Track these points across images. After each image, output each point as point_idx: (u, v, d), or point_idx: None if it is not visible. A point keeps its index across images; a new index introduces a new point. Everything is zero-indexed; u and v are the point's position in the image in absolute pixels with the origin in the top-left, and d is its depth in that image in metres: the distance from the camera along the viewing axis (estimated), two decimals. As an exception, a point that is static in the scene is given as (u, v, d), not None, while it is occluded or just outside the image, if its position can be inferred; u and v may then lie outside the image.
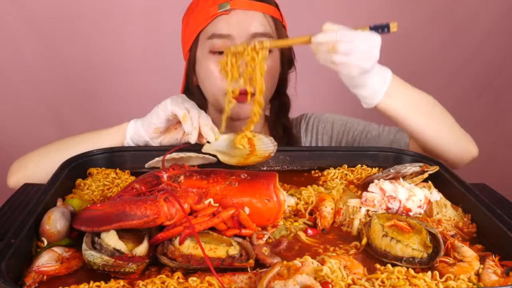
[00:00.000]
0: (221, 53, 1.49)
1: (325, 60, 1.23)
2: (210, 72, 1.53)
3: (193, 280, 0.87)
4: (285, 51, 1.61)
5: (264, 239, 1.03)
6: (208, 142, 1.35)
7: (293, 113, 1.78)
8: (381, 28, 1.22)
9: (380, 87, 1.31)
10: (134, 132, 1.42)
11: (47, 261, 0.90)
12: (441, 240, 0.99)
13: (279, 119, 1.71)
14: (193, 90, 1.65)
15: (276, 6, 1.60)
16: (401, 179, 1.23)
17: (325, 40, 1.20)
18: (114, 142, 1.43)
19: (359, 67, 1.22)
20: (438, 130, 1.41)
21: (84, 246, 0.91)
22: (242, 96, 1.44)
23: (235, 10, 1.49)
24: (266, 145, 1.37)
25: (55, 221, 0.98)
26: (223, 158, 1.32)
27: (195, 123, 1.33)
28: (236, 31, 1.48)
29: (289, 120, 1.75)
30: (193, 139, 1.34)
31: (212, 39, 1.50)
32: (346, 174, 1.38)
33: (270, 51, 1.49)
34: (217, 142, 1.36)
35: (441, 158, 1.43)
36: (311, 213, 1.15)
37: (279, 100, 1.69)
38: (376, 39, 1.22)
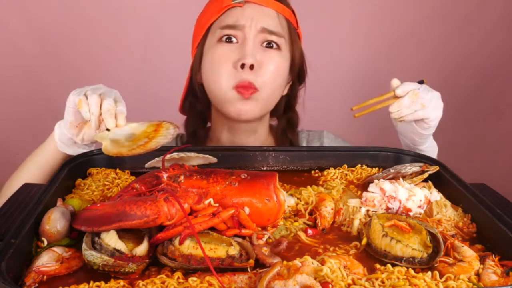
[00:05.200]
0: (228, 40, 1.48)
1: (411, 109, 1.37)
2: (215, 61, 1.49)
3: (193, 280, 0.87)
4: (297, 61, 1.58)
5: (264, 239, 1.03)
6: (107, 129, 1.20)
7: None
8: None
9: (435, 149, 1.55)
10: (60, 133, 1.34)
11: (47, 261, 0.90)
12: (441, 240, 0.99)
13: (285, 134, 1.70)
14: (196, 89, 1.61)
15: (293, 12, 1.58)
16: (401, 179, 1.23)
17: (406, 88, 1.36)
18: (51, 151, 1.37)
19: (437, 109, 1.39)
20: None
21: (84, 246, 0.91)
22: (246, 88, 1.45)
23: (249, 4, 1.48)
24: (163, 139, 1.19)
25: (55, 221, 0.98)
26: (106, 147, 1.15)
27: (93, 109, 1.22)
28: (248, 23, 1.47)
29: (296, 136, 1.73)
30: (92, 127, 1.23)
31: (224, 29, 1.49)
32: (346, 174, 1.38)
33: (279, 48, 1.51)
34: (120, 130, 1.20)
35: None
36: (311, 213, 1.15)
37: (287, 115, 1.69)
38: (437, 92, 1.41)
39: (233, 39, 1.48)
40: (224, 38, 1.48)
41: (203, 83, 1.58)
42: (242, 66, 1.44)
